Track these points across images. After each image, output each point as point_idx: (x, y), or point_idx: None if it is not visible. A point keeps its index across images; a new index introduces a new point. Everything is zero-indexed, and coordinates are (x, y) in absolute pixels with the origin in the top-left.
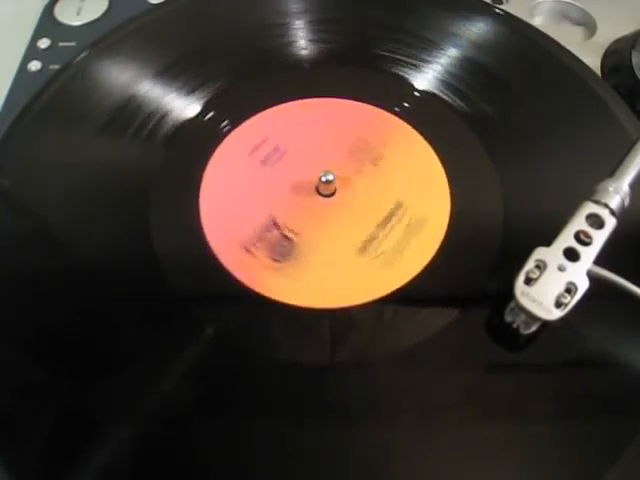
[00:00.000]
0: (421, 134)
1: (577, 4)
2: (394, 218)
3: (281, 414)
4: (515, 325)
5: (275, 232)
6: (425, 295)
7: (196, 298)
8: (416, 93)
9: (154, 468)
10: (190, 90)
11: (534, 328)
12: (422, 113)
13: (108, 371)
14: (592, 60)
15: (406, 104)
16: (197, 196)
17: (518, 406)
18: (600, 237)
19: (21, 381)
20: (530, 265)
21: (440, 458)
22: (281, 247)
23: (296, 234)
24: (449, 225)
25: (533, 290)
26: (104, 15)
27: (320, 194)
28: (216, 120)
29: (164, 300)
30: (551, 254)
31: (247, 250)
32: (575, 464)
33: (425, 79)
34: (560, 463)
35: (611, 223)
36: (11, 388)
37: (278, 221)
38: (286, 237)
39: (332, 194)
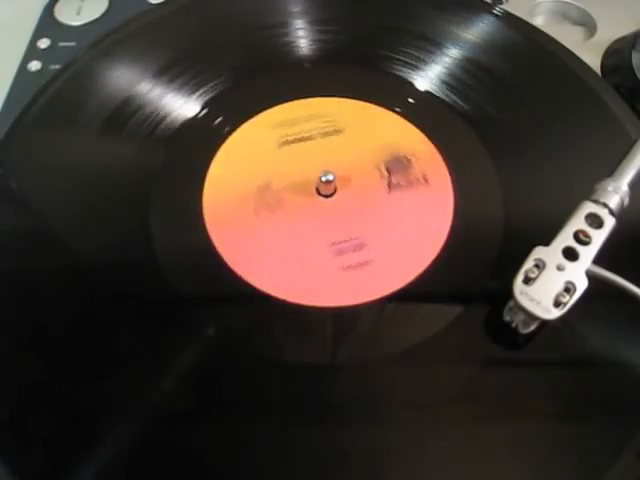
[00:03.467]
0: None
1: (577, 4)
2: None
3: (281, 414)
4: (514, 324)
5: None
6: (425, 295)
7: (197, 297)
8: (416, 93)
9: (154, 468)
10: (190, 90)
11: (533, 327)
12: (422, 113)
13: (108, 371)
14: (592, 60)
15: (406, 104)
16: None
17: (518, 406)
18: (599, 237)
19: (21, 381)
20: (529, 264)
21: (440, 458)
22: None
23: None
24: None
25: (532, 289)
26: (104, 15)
27: (320, 194)
28: (216, 120)
29: (164, 300)
30: (550, 253)
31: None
32: (575, 464)
33: (425, 79)
34: (560, 463)
35: (610, 223)
36: (11, 388)
37: None
38: None
39: (332, 194)
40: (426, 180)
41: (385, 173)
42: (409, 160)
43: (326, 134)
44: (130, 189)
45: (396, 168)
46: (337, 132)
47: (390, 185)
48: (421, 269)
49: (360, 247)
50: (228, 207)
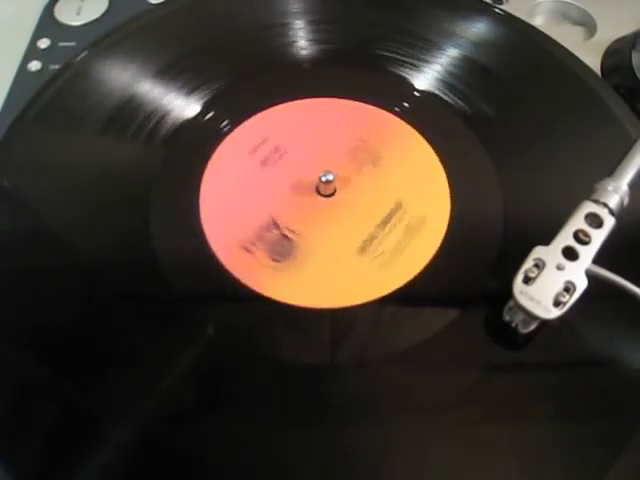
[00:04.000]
0: (421, 134)
1: (577, 4)
2: (394, 218)
3: (281, 414)
4: (513, 324)
5: (275, 232)
6: (425, 295)
7: (196, 298)
8: (416, 93)
9: (154, 468)
10: (190, 90)
11: (532, 327)
12: (422, 113)
13: (108, 371)
14: (592, 60)
15: (406, 104)
16: (197, 196)
17: (518, 406)
18: (599, 236)
19: (21, 381)
20: (529, 264)
21: (440, 458)
22: (281, 247)
23: (296, 234)
24: (449, 225)
25: (532, 289)
26: (104, 15)
27: (320, 194)
28: (216, 120)
29: (164, 300)
30: (550, 253)
31: (247, 250)
32: (575, 464)
33: (425, 79)
34: (560, 463)
35: (610, 222)
36: (11, 388)
37: (278, 221)
38: (286, 237)
39: (332, 194)
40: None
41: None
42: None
43: None
44: (130, 189)
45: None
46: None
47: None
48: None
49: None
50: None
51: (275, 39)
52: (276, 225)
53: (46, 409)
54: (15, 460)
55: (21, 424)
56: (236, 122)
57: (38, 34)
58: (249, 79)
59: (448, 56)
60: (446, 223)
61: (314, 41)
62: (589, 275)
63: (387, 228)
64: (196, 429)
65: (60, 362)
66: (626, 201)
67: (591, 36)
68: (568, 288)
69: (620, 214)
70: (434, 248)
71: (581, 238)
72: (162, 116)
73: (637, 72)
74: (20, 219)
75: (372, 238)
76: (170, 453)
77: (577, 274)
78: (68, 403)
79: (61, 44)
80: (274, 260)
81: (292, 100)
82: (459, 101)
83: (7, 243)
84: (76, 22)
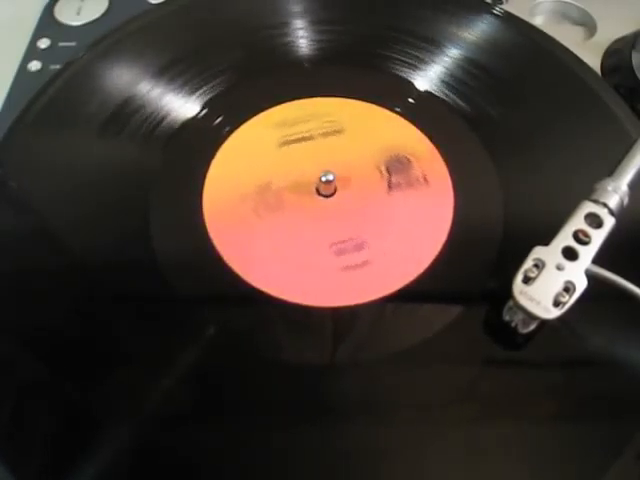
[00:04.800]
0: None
1: (577, 4)
2: None
3: (281, 414)
4: (513, 324)
5: None
6: (425, 295)
7: (197, 297)
8: (416, 93)
9: (154, 468)
10: (190, 90)
11: (532, 327)
12: (422, 113)
13: (109, 371)
14: (592, 60)
15: (406, 104)
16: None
17: (518, 406)
18: (599, 236)
19: (21, 381)
20: (528, 264)
21: (440, 458)
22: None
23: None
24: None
25: (531, 289)
26: (104, 15)
27: (320, 194)
28: (216, 120)
29: (164, 300)
30: (549, 253)
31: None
32: (575, 464)
33: (425, 79)
34: (559, 463)
35: (610, 222)
36: (11, 388)
37: None
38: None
39: (332, 194)
40: (426, 180)
41: (385, 173)
42: (409, 160)
43: (326, 134)
44: (130, 189)
45: (396, 168)
46: (337, 132)
47: (390, 185)
48: (421, 269)
49: (360, 247)
50: (228, 207)
51: (275, 39)
52: None
53: (46, 409)
54: (15, 460)
55: (21, 424)
56: (236, 122)
57: (38, 34)
58: (249, 79)
59: (448, 56)
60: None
61: (314, 41)
62: (589, 275)
63: None
64: (196, 429)
65: (60, 362)
66: (626, 201)
67: (591, 36)
68: (568, 288)
69: (620, 214)
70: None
71: (581, 238)
72: (162, 116)
73: (637, 72)
74: (20, 219)
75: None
76: (170, 453)
77: (577, 274)
78: (68, 403)
79: (61, 44)
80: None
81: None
82: (459, 101)
83: (7, 243)
84: (76, 22)
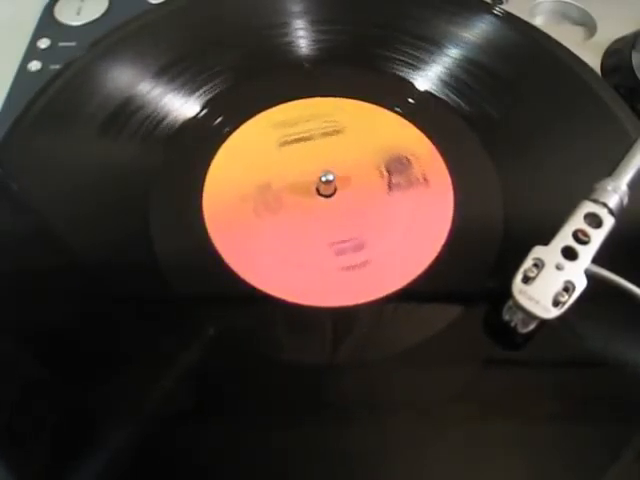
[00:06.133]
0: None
1: (577, 4)
2: None
3: (281, 414)
4: (513, 324)
5: None
6: (425, 295)
7: (196, 298)
8: (416, 93)
9: (154, 468)
10: (190, 90)
11: (532, 327)
12: (422, 113)
13: (108, 371)
14: (592, 60)
15: (406, 104)
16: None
17: (518, 406)
18: (598, 236)
19: (21, 381)
20: (528, 264)
21: (440, 458)
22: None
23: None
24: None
25: (531, 289)
26: (104, 15)
27: (320, 194)
28: (216, 120)
29: (164, 300)
30: (549, 253)
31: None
32: (575, 464)
33: (425, 79)
34: (560, 463)
35: (609, 222)
36: (11, 388)
37: None
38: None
39: (332, 194)
40: (426, 180)
41: (385, 173)
42: (409, 160)
43: (326, 134)
44: (130, 189)
45: (396, 168)
46: (337, 132)
47: (390, 185)
48: (421, 269)
49: (360, 247)
50: (228, 207)
51: (275, 39)
52: None
53: (46, 409)
54: (15, 460)
55: (21, 424)
56: (236, 122)
57: (38, 34)
58: (249, 79)
59: (448, 56)
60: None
61: (314, 41)
62: (588, 275)
63: None
64: (196, 429)
65: (60, 362)
66: (625, 201)
67: (591, 36)
68: (567, 288)
69: (619, 214)
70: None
71: (580, 238)
72: (162, 116)
73: (637, 72)
74: (20, 219)
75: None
76: (170, 453)
77: (576, 274)
78: (68, 403)
79: (61, 44)
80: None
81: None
82: (459, 101)
83: (7, 243)
84: (76, 22)
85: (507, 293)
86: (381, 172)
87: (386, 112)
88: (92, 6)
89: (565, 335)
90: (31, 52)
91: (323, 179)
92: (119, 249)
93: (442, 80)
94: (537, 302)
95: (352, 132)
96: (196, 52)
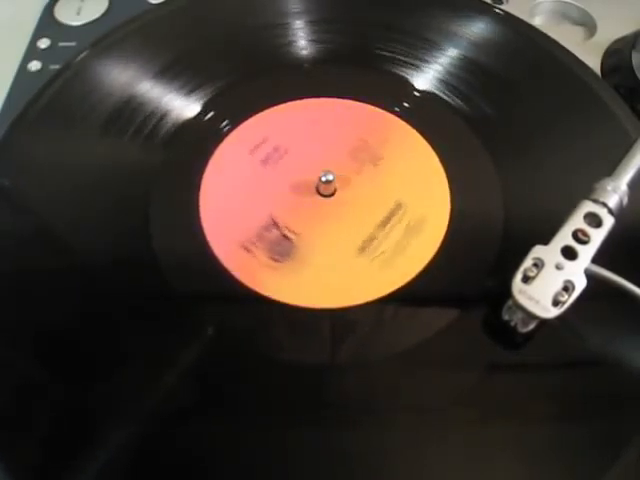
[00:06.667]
0: (421, 134)
1: (577, 4)
2: (394, 218)
3: (281, 414)
4: (512, 323)
5: (275, 232)
6: (425, 295)
7: (195, 298)
8: (416, 93)
9: (154, 468)
10: (190, 90)
11: (531, 327)
12: (422, 113)
13: (108, 371)
14: (592, 60)
15: (406, 104)
16: (197, 196)
17: (517, 406)
18: (598, 236)
19: (21, 381)
20: (528, 263)
21: (440, 458)
22: (281, 247)
23: (296, 234)
24: (449, 225)
25: (530, 288)
26: (104, 15)
27: (320, 194)
28: (216, 120)
29: (164, 300)
30: (549, 252)
31: (247, 249)
32: (575, 464)
33: (425, 79)
34: (560, 463)
35: (609, 222)
36: (11, 388)
37: (278, 221)
38: (286, 237)
39: (332, 194)
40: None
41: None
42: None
43: None
44: (130, 189)
45: None
46: None
47: None
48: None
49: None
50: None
51: (275, 39)
52: (276, 225)
53: (46, 409)
54: (15, 460)
55: (21, 424)
56: (236, 122)
57: (38, 34)
58: (249, 79)
59: (448, 56)
60: (446, 223)
61: (314, 41)
62: (588, 275)
63: (387, 228)
64: (196, 429)
65: (60, 362)
66: (625, 201)
67: (591, 36)
68: (567, 287)
69: (619, 214)
70: (434, 248)
71: (580, 238)
72: (162, 116)
73: (637, 72)
74: (20, 219)
75: (372, 238)
76: (170, 453)
77: (576, 273)
78: (68, 403)
79: (61, 44)
80: (274, 260)
81: (292, 100)
82: (459, 101)
83: (7, 243)
84: (76, 22)
85: (507, 293)
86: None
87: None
88: (92, 6)
89: (565, 335)
90: (31, 52)
91: (323, 179)
92: (119, 249)
93: (442, 80)
94: (537, 302)
95: None
96: (196, 52)
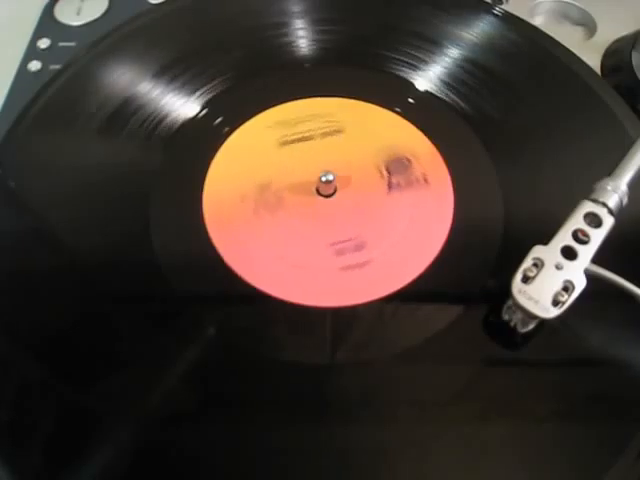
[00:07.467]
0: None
1: (577, 4)
2: None
3: (281, 413)
4: (512, 323)
5: None
6: (425, 295)
7: (197, 297)
8: (416, 93)
9: (154, 468)
10: (190, 90)
11: (531, 326)
12: (422, 113)
13: (109, 371)
14: (592, 60)
15: (406, 104)
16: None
17: (517, 405)
18: (598, 236)
19: (21, 381)
20: (527, 263)
21: (440, 457)
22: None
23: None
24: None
25: (530, 288)
26: (104, 15)
27: (320, 194)
28: (216, 120)
29: (165, 300)
30: (549, 252)
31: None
32: (575, 464)
33: (425, 79)
34: (560, 463)
35: (609, 222)
36: (11, 388)
37: None
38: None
39: (332, 194)
40: (426, 180)
41: (385, 173)
42: (409, 160)
43: (326, 134)
44: (130, 189)
45: (396, 168)
46: (337, 132)
47: (390, 185)
48: (421, 269)
49: (360, 247)
50: (228, 207)
51: (275, 39)
52: None
53: (46, 409)
54: (15, 460)
55: (21, 424)
56: (236, 122)
57: (38, 34)
58: (249, 79)
59: (448, 56)
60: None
61: (314, 41)
62: (588, 275)
63: None
64: (196, 429)
65: (61, 362)
66: (625, 201)
67: (591, 36)
68: (567, 287)
69: (619, 214)
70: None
71: (580, 238)
72: (162, 116)
73: (637, 72)
74: (20, 219)
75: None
76: (170, 453)
77: (576, 273)
78: (68, 403)
79: (61, 44)
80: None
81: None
82: (459, 101)
83: (7, 243)
84: (76, 22)
85: (507, 293)
86: (381, 172)
87: (386, 112)
88: (92, 6)
89: (565, 335)
90: (31, 52)
91: (323, 179)
92: (119, 249)
93: (442, 80)
94: (537, 302)
95: (353, 132)
96: (196, 52)
